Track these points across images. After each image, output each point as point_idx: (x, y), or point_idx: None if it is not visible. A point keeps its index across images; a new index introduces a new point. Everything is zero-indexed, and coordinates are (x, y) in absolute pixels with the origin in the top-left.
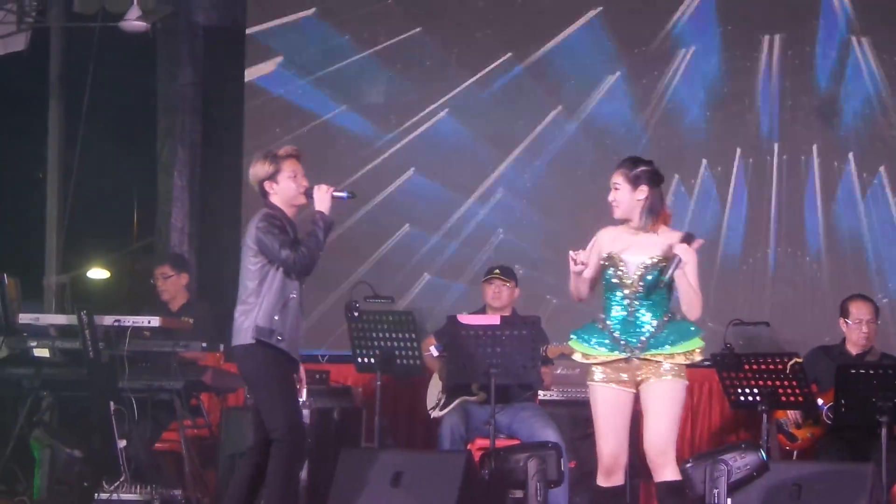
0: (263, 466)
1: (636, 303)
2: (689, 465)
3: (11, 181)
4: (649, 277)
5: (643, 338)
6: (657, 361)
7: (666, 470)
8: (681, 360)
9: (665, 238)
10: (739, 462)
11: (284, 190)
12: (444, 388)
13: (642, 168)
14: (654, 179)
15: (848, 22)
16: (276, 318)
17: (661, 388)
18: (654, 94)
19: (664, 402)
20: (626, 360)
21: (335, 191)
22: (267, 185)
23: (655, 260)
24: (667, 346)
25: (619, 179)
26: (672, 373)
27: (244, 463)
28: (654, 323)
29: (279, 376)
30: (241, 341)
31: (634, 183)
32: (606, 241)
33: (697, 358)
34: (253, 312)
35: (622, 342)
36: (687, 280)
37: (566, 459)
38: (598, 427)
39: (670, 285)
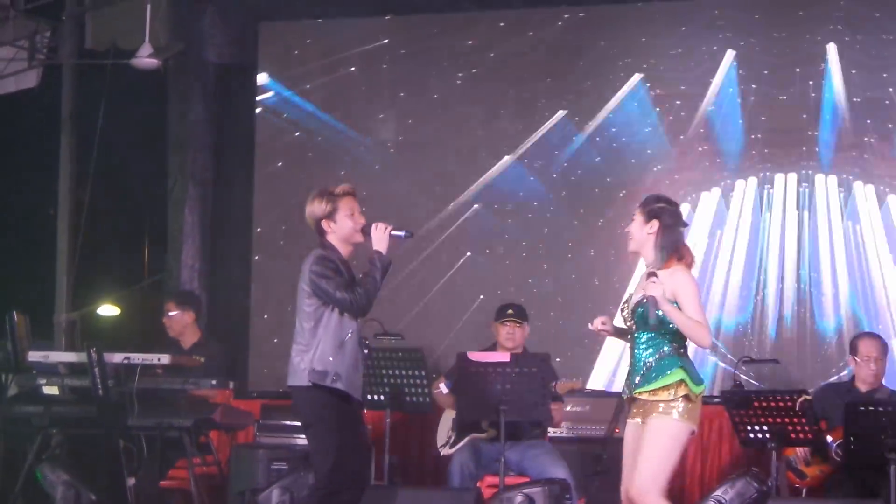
0: None
1: (637, 341)
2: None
3: (23, 218)
4: (639, 311)
5: (637, 378)
6: (646, 400)
7: None
8: (664, 396)
9: (670, 275)
10: (731, 493)
11: (342, 228)
12: (454, 425)
13: (659, 205)
14: (669, 218)
15: None
16: (331, 359)
17: (647, 428)
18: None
19: (646, 441)
20: (634, 399)
21: (393, 230)
22: (325, 223)
23: (641, 299)
24: (647, 385)
25: (636, 212)
26: (659, 411)
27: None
28: (650, 361)
29: (331, 420)
30: (297, 382)
31: (648, 217)
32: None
33: (682, 392)
34: (309, 354)
35: (628, 381)
36: (679, 314)
37: (575, 496)
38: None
39: (667, 321)
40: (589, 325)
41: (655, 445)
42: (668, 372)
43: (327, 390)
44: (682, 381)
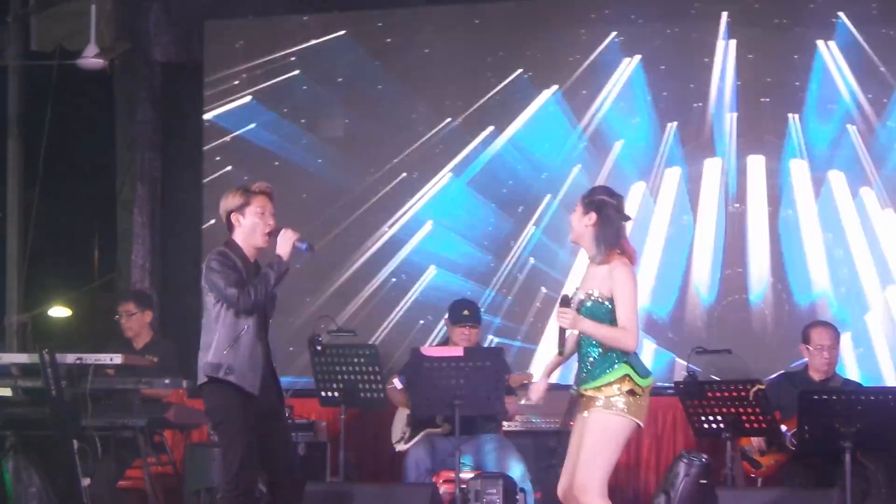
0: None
1: (583, 337)
2: None
3: None
4: (584, 308)
5: (583, 374)
6: (591, 397)
7: None
8: (608, 391)
9: (610, 272)
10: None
11: (249, 225)
12: (409, 420)
13: (599, 197)
14: (608, 209)
15: None
16: (225, 352)
17: (586, 423)
18: None
19: (586, 437)
20: (581, 396)
21: (297, 240)
22: (234, 216)
23: (593, 294)
24: (591, 381)
25: (577, 203)
26: (600, 406)
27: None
28: (594, 357)
29: (230, 418)
30: (199, 381)
31: (586, 208)
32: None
33: (626, 387)
34: (208, 350)
35: (576, 378)
36: (597, 329)
37: (525, 491)
38: None
39: (612, 319)
40: (531, 397)
41: (595, 441)
42: (613, 367)
43: (223, 383)
44: (626, 376)
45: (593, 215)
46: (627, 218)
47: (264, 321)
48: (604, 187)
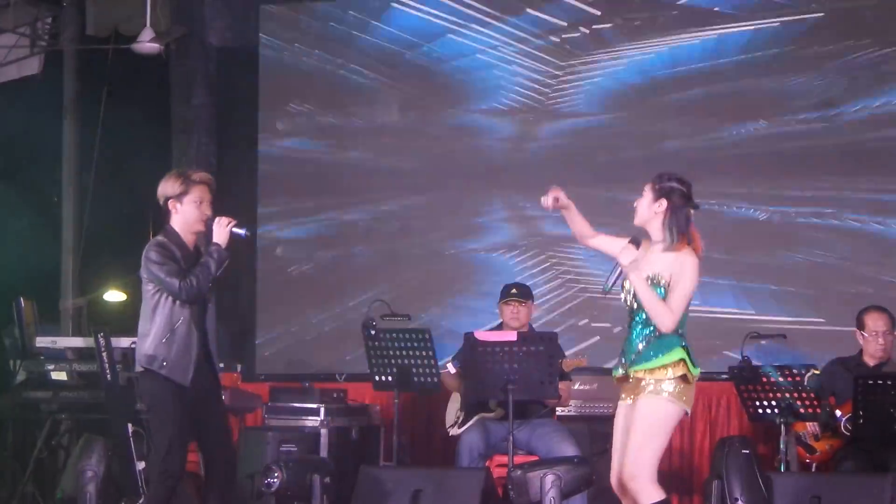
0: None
1: (632, 320)
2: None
3: (27, 205)
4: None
5: (633, 355)
6: (640, 379)
7: (639, 496)
8: (660, 375)
9: (678, 261)
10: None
11: (186, 213)
12: (463, 405)
13: (670, 184)
14: (680, 198)
15: None
16: (163, 342)
17: (636, 408)
18: None
19: (636, 423)
20: (628, 378)
21: (234, 226)
22: (171, 203)
23: (652, 276)
24: (644, 363)
25: (646, 187)
26: (650, 391)
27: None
28: (649, 339)
29: (168, 407)
30: (137, 367)
31: (657, 195)
32: (640, 253)
33: (679, 372)
34: (146, 340)
35: (622, 361)
36: (645, 288)
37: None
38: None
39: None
40: (542, 200)
41: (645, 428)
42: (670, 350)
43: (159, 376)
44: (681, 361)
45: (664, 202)
46: (696, 206)
47: (202, 307)
48: (674, 173)
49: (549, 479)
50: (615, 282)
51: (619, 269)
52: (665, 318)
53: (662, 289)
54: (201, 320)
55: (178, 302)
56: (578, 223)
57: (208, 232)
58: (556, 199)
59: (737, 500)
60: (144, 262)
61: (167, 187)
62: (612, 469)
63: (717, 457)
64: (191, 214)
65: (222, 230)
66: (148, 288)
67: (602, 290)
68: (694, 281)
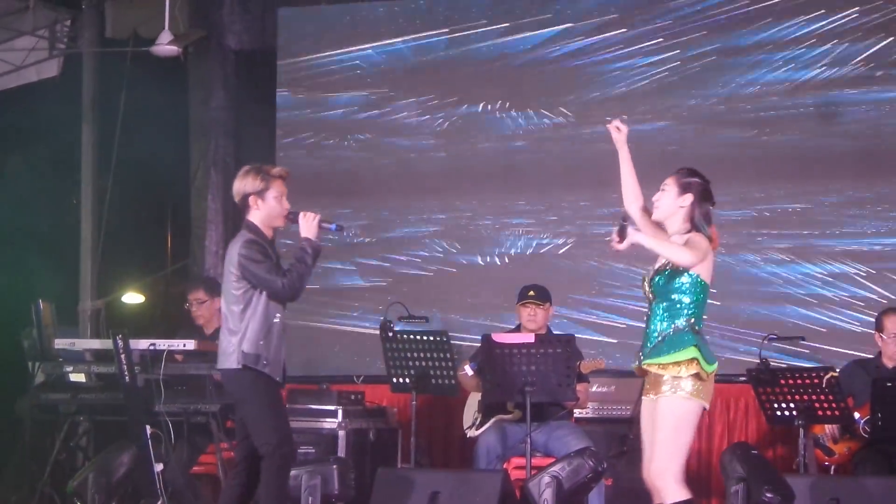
0: (250, 483)
1: (652, 311)
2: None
3: (46, 207)
4: (657, 279)
5: (649, 348)
6: (658, 374)
7: (666, 493)
8: (673, 371)
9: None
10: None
11: (268, 209)
12: (480, 407)
13: (694, 179)
14: (704, 195)
15: None
16: (262, 342)
17: (658, 407)
18: None
19: (658, 422)
20: (647, 372)
21: (322, 220)
22: (252, 199)
23: (668, 265)
24: (657, 357)
25: (669, 182)
26: (668, 388)
27: (231, 482)
28: (664, 333)
29: (266, 395)
30: (228, 365)
31: (682, 190)
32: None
33: (692, 370)
34: (236, 337)
35: (640, 353)
36: (656, 242)
37: (600, 462)
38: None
39: (683, 291)
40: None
41: (666, 427)
42: (682, 347)
43: (258, 372)
44: (693, 359)
45: (689, 196)
46: (714, 202)
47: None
48: (695, 169)
49: (545, 480)
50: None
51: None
52: (680, 253)
53: (674, 275)
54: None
55: (271, 300)
56: (628, 175)
57: (287, 226)
58: (618, 129)
59: (769, 497)
60: (244, 262)
61: (246, 184)
62: (644, 464)
63: (730, 464)
64: (273, 209)
65: (310, 224)
66: (238, 285)
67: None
68: (703, 244)
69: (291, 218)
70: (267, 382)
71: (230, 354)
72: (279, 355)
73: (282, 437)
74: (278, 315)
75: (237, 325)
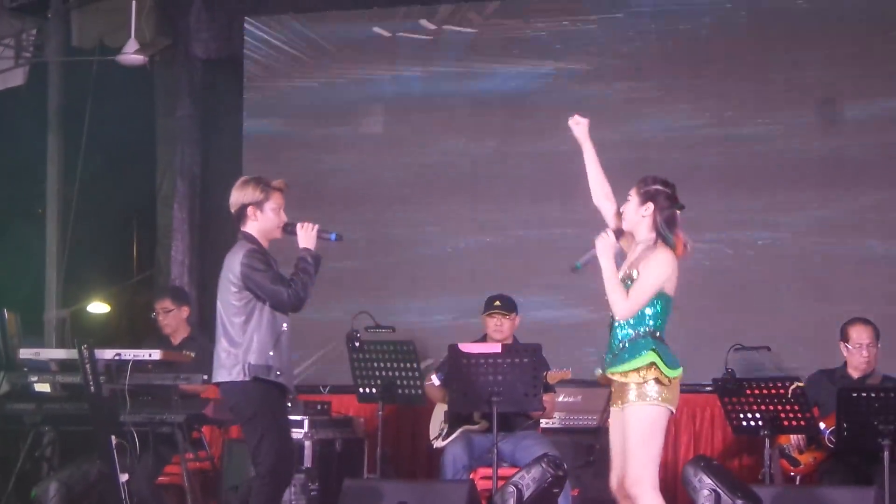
0: None
1: (613, 320)
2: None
3: (11, 216)
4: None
5: (610, 356)
6: (623, 383)
7: (642, 500)
8: (634, 378)
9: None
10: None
11: (266, 220)
12: (447, 417)
13: (655, 187)
14: (665, 200)
15: None
16: (272, 353)
17: (626, 416)
18: None
19: (629, 431)
20: (609, 381)
21: (321, 230)
22: (251, 210)
23: (629, 273)
24: (618, 365)
25: (632, 191)
26: (634, 396)
27: (242, 495)
28: (625, 341)
29: (273, 411)
30: (231, 378)
31: (643, 199)
32: (617, 246)
33: (652, 375)
34: (240, 349)
35: (602, 359)
36: (609, 273)
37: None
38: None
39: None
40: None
41: (636, 435)
42: (640, 354)
43: (268, 383)
44: (652, 364)
45: (650, 205)
46: (681, 206)
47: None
48: (658, 176)
49: (508, 490)
50: (586, 262)
51: (593, 251)
52: (620, 304)
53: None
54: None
55: (275, 310)
56: (593, 170)
57: (284, 238)
58: (577, 123)
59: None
60: (247, 272)
61: (245, 194)
62: (612, 472)
63: (695, 476)
64: (271, 221)
65: (309, 234)
66: (240, 296)
67: (572, 268)
68: (660, 274)
69: (289, 229)
70: (277, 395)
71: (231, 367)
72: (289, 364)
73: (279, 459)
74: (285, 324)
75: (240, 337)
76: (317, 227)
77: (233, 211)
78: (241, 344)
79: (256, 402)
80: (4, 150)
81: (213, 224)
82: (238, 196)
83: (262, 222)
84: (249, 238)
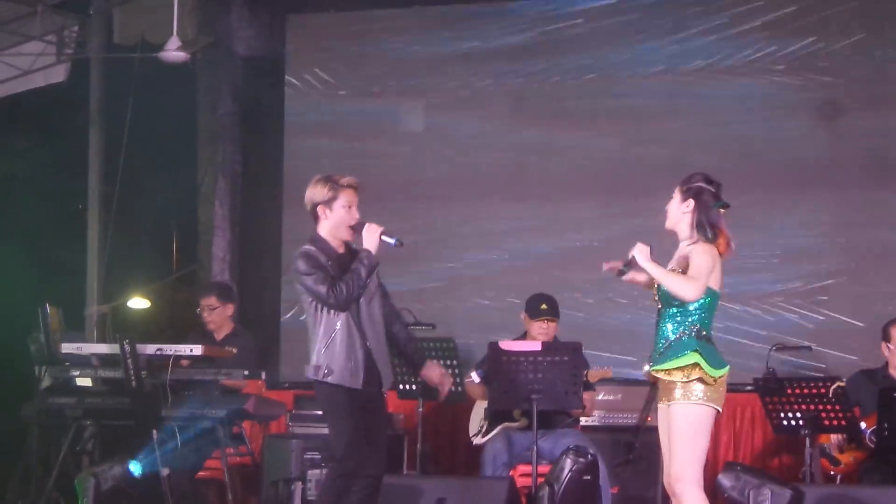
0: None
1: (660, 317)
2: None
3: (53, 212)
4: (662, 290)
5: (657, 354)
6: (669, 381)
7: (685, 498)
8: (678, 377)
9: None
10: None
11: (336, 218)
12: (487, 414)
13: (696, 184)
14: (707, 197)
15: None
16: (324, 351)
17: (671, 414)
18: None
19: (673, 430)
20: (656, 378)
21: (384, 234)
22: (321, 209)
23: (674, 269)
24: (662, 363)
25: (675, 190)
26: (680, 395)
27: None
28: (670, 339)
29: (338, 408)
30: (308, 375)
31: (684, 196)
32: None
33: (695, 375)
34: (312, 350)
35: (649, 357)
36: (657, 269)
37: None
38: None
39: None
40: (604, 265)
41: (681, 434)
42: (683, 353)
43: (327, 385)
44: (696, 364)
45: (691, 202)
46: (726, 204)
47: (369, 313)
48: (701, 173)
49: (541, 494)
50: (629, 265)
51: (632, 256)
52: (685, 287)
53: None
54: (371, 324)
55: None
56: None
57: (357, 237)
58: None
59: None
60: (294, 274)
61: (315, 193)
62: (664, 471)
63: (732, 480)
64: (341, 219)
65: (372, 236)
66: (305, 299)
67: (619, 273)
68: (707, 260)
69: (357, 228)
70: (344, 395)
71: (308, 366)
72: (347, 362)
73: (345, 457)
74: (339, 324)
75: (313, 338)
76: (381, 229)
77: (308, 210)
78: (312, 343)
79: (324, 400)
80: (46, 146)
81: (253, 221)
82: (309, 195)
83: (331, 221)
84: (312, 239)
